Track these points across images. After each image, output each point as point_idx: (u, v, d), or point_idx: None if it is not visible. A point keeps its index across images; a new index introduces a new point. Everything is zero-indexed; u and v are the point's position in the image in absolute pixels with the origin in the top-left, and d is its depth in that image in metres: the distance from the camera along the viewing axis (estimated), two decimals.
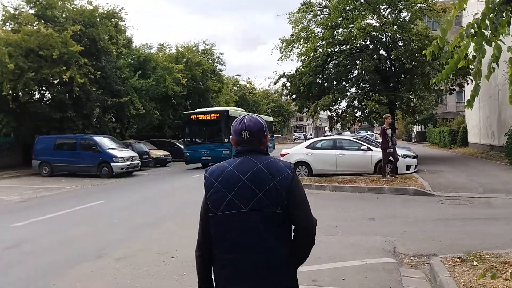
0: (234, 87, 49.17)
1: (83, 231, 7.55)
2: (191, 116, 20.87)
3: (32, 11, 21.19)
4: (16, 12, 21.05)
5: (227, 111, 20.67)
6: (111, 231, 7.60)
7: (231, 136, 2.07)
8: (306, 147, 14.35)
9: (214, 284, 2.00)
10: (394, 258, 5.20)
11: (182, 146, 27.31)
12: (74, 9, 21.95)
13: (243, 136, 1.99)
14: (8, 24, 21.08)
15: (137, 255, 5.80)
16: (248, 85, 54.55)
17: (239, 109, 26.14)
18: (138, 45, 30.62)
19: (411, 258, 5.23)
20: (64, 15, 21.58)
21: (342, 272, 4.72)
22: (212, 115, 20.60)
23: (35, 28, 19.69)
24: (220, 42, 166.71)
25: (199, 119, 20.54)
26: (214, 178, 1.95)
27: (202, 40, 37.13)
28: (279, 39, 20.63)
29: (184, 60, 31.62)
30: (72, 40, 19.31)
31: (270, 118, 32.34)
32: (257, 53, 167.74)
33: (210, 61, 36.31)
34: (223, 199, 1.90)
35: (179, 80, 27.61)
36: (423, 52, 3.47)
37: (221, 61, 38.08)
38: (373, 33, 18.90)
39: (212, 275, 2.02)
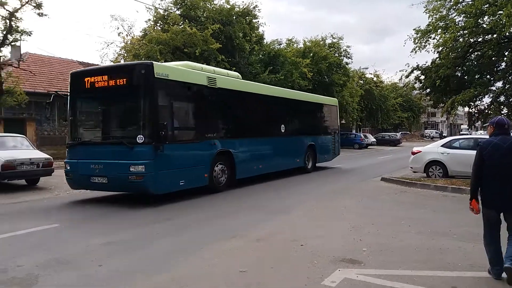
0: (360, 81, 47.77)
1: (221, 212, 8.32)
2: (83, 79, 9.42)
3: (178, 12, 23.62)
4: (165, 13, 23.72)
5: (149, 66, 8.90)
6: (242, 213, 8.23)
7: (489, 125, 2.78)
8: (442, 146, 13.36)
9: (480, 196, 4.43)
10: None
11: None
12: (214, 9, 23.79)
13: (506, 127, 4.36)
14: (158, 24, 23.86)
15: (268, 239, 6.19)
16: (375, 79, 52.43)
17: (197, 64, 12.01)
18: (269, 41, 31.78)
19: None
20: (205, 15, 23.54)
21: (484, 282, 4.40)
22: (118, 77, 8.98)
23: (180, 27, 21.93)
24: (346, 35, 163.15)
25: (97, 86, 9.17)
26: (487, 145, 4.33)
27: (329, 34, 36.72)
28: (414, 29, 19.33)
29: (311, 54, 31.85)
30: (212, 38, 21.00)
31: (326, 100, 19.17)
32: (384, 45, 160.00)
33: (337, 55, 35.88)
34: (492, 154, 4.29)
35: (305, 74, 27.96)
36: None
37: (348, 54, 37.35)
38: None
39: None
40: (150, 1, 37.80)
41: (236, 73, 14.01)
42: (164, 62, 19.65)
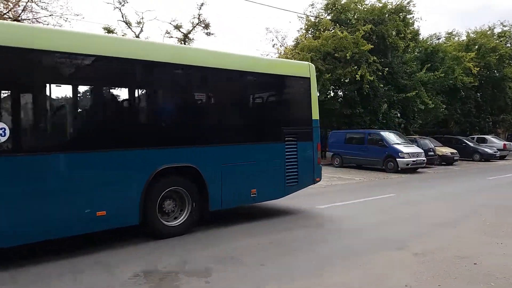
0: None
1: (378, 220, 8.07)
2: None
3: (329, 17, 23.78)
4: (316, 20, 24.14)
5: None
6: (404, 225, 7.81)
7: None
8: None
9: None
10: None
11: (471, 144, 24.92)
12: (365, 9, 23.23)
13: None
14: (309, 32, 24.41)
15: (434, 253, 5.77)
16: None
17: None
18: (426, 36, 29.59)
19: None
20: (355, 17, 23.17)
21: None
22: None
23: (331, 32, 22.03)
24: None
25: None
26: None
27: (498, 22, 32.32)
28: None
29: (476, 47, 28.49)
30: (362, 40, 20.56)
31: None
32: None
33: (509, 45, 31.30)
34: None
35: (469, 70, 25.15)
36: None
37: None
38: None
39: None
40: (301, 10, 39.04)
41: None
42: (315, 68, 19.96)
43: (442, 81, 24.53)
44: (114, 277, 4.82)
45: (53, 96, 5.60)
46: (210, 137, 7.05)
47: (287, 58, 21.83)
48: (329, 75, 20.48)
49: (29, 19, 14.68)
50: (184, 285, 4.59)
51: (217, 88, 7.49)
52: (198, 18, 17.70)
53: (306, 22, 24.30)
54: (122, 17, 18.94)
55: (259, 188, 7.51)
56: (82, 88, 6.02)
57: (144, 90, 6.62)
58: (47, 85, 5.41)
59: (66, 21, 20.13)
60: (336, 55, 20.86)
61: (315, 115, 8.61)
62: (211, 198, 6.82)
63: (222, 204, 7.05)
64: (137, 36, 18.39)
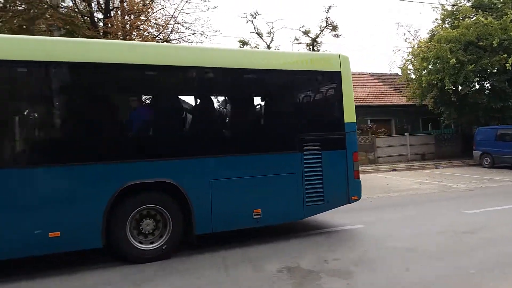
0: None
1: None
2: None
3: (469, 4, 21.54)
4: (454, 9, 22.08)
5: None
6: None
7: None
8: None
9: None
10: None
11: None
12: None
13: None
14: (446, 21, 22.43)
15: None
16: None
17: None
18: None
19: None
20: (501, 0, 20.56)
21: None
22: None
23: (472, 20, 19.91)
24: None
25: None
26: None
27: None
28: None
29: None
30: None
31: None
32: None
33: None
34: None
35: None
36: None
37: None
38: None
39: None
40: (435, 0, 36.18)
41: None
42: (455, 60, 18.27)
43: None
44: (259, 271, 5.15)
45: None
46: (194, 147, 5.97)
47: (422, 51, 20.42)
48: (473, 66, 18.51)
49: (176, 39, 16.60)
50: (326, 284, 4.67)
51: (200, 88, 6.29)
52: (326, 21, 17.77)
53: (442, 12, 22.40)
54: (255, 29, 20.06)
55: (266, 208, 6.23)
56: (27, 97, 5.47)
57: (100, 93, 5.71)
58: None
59: (206, 37, 22.02)
60: (479, 43, 18.76)
61: (350, 117, 6.96)
62: (197, 219, 5.77)
63: (213, 226, 5.91)
64: (268, 46, 19.28)
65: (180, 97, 6.35)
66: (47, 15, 13.11)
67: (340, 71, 6.93)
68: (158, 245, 5.63)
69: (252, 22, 19.88)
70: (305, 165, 6.52)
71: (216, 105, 6.67)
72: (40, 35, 12.15)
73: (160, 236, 5.69)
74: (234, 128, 6.65)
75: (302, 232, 7.07)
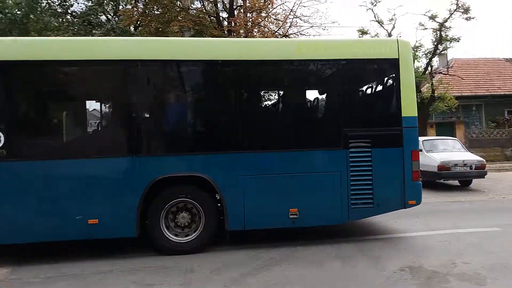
0: None
1: None
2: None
3: None
4: None
5: None
6: None
7: None
8: None
9: None
10: None
11: None
12: None
13: None
14: None
15: None
16: None
17: None
18: None
19: None
20: None
21: None
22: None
23: None
24: None
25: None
26: None
27: None
28: None
29: None
30: None
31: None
32: None
33: None
34: None
35: None
36: None
37: None
38: None
39: None
40: None
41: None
42: None
43: None
44: (379, 268, 5.03)
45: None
46: (226, 142, 5.91)
47: None
48: None
49: (294, 33, 16.78)
50: None
51: (242, 83, 6.03)
52: (456, 3, 16.18)
53: None
54: (375, 17, 19.24)
55: (303, 208, 5.83)
56: (70, 93, 6.03)
57: (132, 91, 5.80)
58: None
59: (324, 29, 21.87)
60: None
61: (410, 110, 6.13)
62: (230, 216, 5.70)
63: (246, 223, 5.76)
64: (389, 34, 18.33)
65: (223, 92, 6.30)
66: (179, 17, 14.35)
67: (398, 58, 6.15)
68: (192, 238, 5.72)
69: (372, 10, 19.07)
70: (351, 163, 5.94)
71: (256, 99, 6.38)
72: (172, 36, 13.48)
73: (194, 230, 5.75)
74: (271, 123, 6.35)
75: (425, 231, 6.76)
